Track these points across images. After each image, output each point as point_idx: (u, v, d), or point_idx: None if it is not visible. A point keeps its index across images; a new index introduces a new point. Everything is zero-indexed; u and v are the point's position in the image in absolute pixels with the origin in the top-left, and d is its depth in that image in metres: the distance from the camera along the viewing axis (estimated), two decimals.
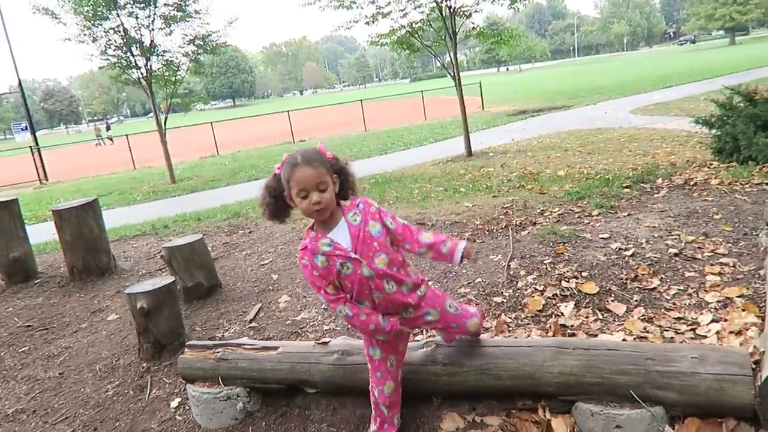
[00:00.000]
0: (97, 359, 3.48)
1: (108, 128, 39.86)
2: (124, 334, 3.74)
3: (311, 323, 3.37)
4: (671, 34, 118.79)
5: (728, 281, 2.95)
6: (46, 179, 18.84)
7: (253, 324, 3.54)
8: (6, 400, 3.20)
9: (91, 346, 3.69)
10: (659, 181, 5.41)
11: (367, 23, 10.80)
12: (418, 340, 2.48)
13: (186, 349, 2.81)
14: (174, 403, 2.87)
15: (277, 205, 1.99)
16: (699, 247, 3.45)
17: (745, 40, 69.82)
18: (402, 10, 10.55)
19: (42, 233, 7.34)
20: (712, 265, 3.17)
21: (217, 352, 2.68)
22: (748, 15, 64.85)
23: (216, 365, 2.66)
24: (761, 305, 2.61)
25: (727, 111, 5.98)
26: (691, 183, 5.11)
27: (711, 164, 5.83)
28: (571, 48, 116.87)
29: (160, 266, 5.09)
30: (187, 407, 2.80)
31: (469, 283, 3.47)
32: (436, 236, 2.09)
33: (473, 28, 10.97)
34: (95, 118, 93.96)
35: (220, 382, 2.64)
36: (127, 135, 21.86)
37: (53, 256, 6.01)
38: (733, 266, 3.12)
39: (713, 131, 6.12)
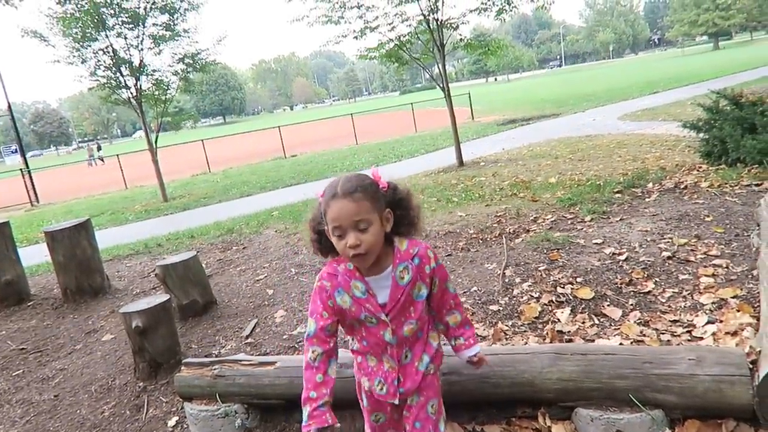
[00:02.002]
0: (93, 380, 3.44)
1: (99, 148, 39.82)
2: (119, 354, 3.71)
3: None
4: (656, 40, 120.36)
5: (722, 282, 2.97)
6: (37, 201, 18.73)
7: (249, 340, 3.52)
8: (0, 425, 3.16)
9: (86, 368, 3.65)
10: (650, 185, 5.46)
11: (356, 38, 10.88)
12: None
13: (182, 367, 2.78)
14: (172, 422, 2.85)
15: (322, 241, 1.68)
16: (692, 250, 3.47)
17: (729, 45, 70.88)
18: (390, 24, 10.65)
19: (34, 255, 7.29)
20: (705, 266, 3.20)
21: (214, 369, 2.66)
22: (730, 20, 66.00)
23: (213, 382, 2.64)
24: (755, 305, 2.62)
25: (714, 114, 6.05)
26: (682, 186, 5.16)
27: (700, 167, 5.89)
28: (558, 57, 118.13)
29: (155, 285, 5.06)
30: (185, 426, 2.78)
31: (465, 292, 3.47)
32: (462, 326, 1.86)
33: (461, 39, 11.07)
34: (86, 139, 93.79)
35: (218, 399, 2.62)
36: (118, 155, 21.81)
37: (46, 277, 5.97)
38: (726, 267, 3.14)
39: (701, 135, 6.18)
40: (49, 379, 3.60)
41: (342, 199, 1.54)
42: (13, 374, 3.79)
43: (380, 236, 1.60)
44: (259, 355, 3.21)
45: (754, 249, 3.26)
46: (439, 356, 1.86)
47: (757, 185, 4.72)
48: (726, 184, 4.91)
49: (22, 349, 4.17)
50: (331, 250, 1.67)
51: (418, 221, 1.72)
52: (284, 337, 3.44)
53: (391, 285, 1.66)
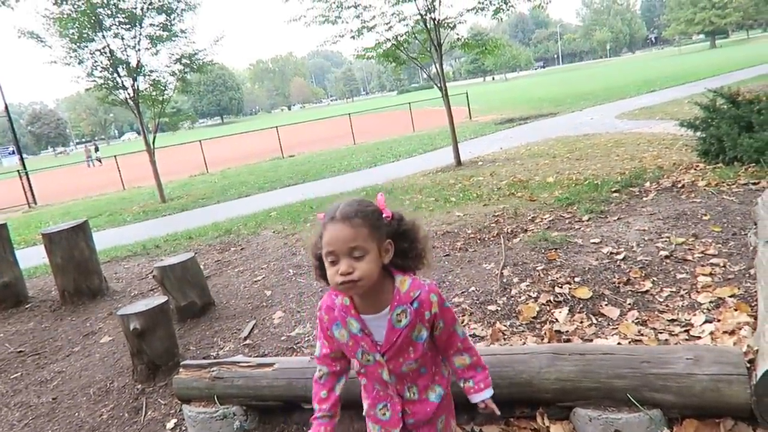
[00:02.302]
0: (91, 383, 3.43)
1: (96, 149, 39.82)
2: (117, 356, 3.71)
3: (306, 338, 3.35)
4: (653, 39, 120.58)
5: (719, 281, 2.98)
6: (35, 203, 18.69)
7: (247, 341, 3.52)
8: None
9: (84, 370, 3.64)
10: (647, 184, 5.46)
11: (353, 37, 10.89)
12: None
13: (181, 369, 2.78)
14: (170, 425, 2.84)
15: (323, 268, 1.54)
16: (689, 249, 3.47)
17: (725, 43, 71.01)
18: (387, 24, 10.65)
19: (32, 257, 7.28)
20: (702, 266, 3.20)
21: (213, 371, 2.66)
22: (727, 18, 66.17)
23: (211, 384, 2.64)
24: (753, 304, 2.63)
25: (711, 113, 6.05)
26: (679, 185, 5.16)
27: (697, 166, 5.90)
28: (555, 56, 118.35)
29: (153, 286, 5.05)
30: (183, 428, 2.77)
31: (462, 292, 3.47)
32: (471, 368, 1.73)
33: (458, 39, 11.08)
34: (83, 140, 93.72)
35: (216, 401, 2.62)
36: (115, 156, 21.78)
37: (44, 280, 5.96)
38: (724, 266, 3.14)
39: (698, 134, 6.18)
40: (47, 382, 3.60)
41: (339, 223, 1.44)
42: (11, 377, 3.78)
43: (376, 267, 1.47)
44: (257, 356, 3.21)
45: (751, 248, 3.27)
46: (447, 385, 1.79)
47: (754, 184, 4.72)
48: (723, 182, 4.91)
49: (20, 351, 4.16)
50: None
51: (425, 254, 1.60)
52: (282, 338, 3.44)
53: (386, 327, 1.56)
